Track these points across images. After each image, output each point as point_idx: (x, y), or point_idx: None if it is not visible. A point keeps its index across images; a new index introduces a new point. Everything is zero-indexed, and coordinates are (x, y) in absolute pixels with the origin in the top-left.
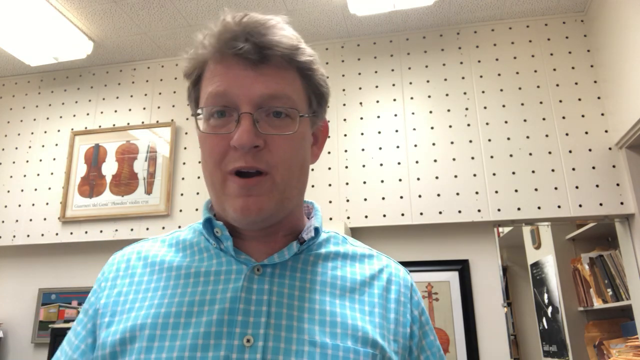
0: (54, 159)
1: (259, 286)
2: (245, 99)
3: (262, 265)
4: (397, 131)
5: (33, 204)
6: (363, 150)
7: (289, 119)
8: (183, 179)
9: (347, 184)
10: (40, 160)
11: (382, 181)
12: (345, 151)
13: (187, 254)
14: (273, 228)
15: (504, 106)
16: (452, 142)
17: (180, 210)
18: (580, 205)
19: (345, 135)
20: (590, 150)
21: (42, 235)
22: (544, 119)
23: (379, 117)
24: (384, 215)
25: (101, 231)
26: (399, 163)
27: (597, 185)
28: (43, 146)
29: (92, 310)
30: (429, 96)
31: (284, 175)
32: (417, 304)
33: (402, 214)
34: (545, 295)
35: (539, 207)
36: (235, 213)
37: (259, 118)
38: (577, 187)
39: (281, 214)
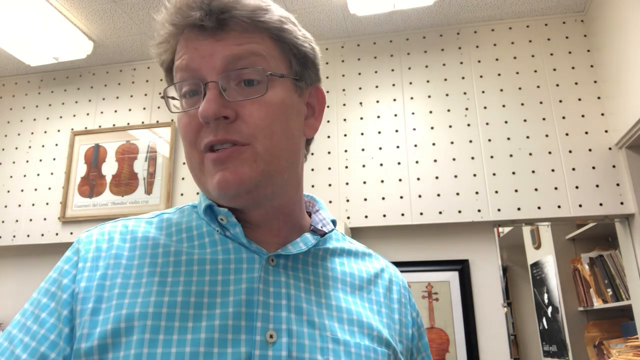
0: (54, 159)
1: (275, 278)
2: (208, 67)
3: (275, 255)
4: (397, 131)
5: (33, 204)
6: (363, 150)
7: (261, 84)
8: (183, 179)
9: (347, 184)
10: (40, 160)
11: (382, 181)
12: (345, 151)
13: (183, 238)
14: (268, 210)
15: (504, 106)
16: (452, 142)
17: None
18: (580, 205)
19: (345, 135)
20: (590, 150)
21: (42, 235)
22: (544, 119)
23: (379, 117)
24: (384, 215)
25: None
26: (399, 163)
27: (597, 185)
28: (43, 146)
29: (68, 294)
30: (429, 96)
31: (266, 145)
32: (414, 306)
33: (402, 214)
34: (545, 295)
35: (539, 207)
36: (214, 190)
37: (227, 86)
38: (577, 187)
39: (269, 188)
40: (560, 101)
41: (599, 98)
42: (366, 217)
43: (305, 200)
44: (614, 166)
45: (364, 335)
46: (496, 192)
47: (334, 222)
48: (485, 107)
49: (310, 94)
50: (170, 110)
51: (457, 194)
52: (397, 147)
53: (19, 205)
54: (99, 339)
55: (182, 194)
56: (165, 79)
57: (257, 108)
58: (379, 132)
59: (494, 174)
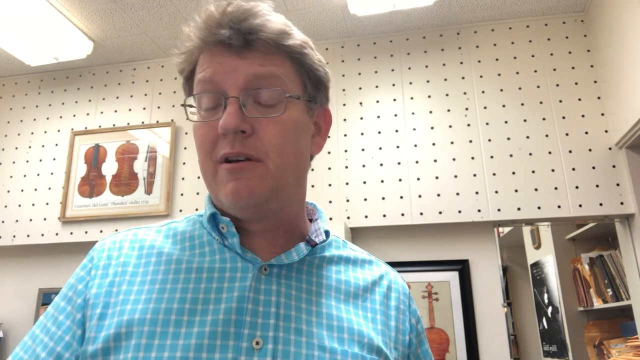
0: (54, 159)
1: (266, 287)
2: (230, 82)
3: (269, 265)
4: (397, 131)
5: (33, 204)
6: (363, 150)
7: (280, 104)
8: (183, 179)
9: (347, 184)
10: (40, 160)
11: (382, 181)
12: (345, 151)
13: (186, 246)
14: (271, 222)
15: (504, 106)
16: (452, 142)
17: (180, 210)
18: (580, 205)
19: (345, 135)
20: (590, 150)
21: (42, 235)
22: (544, 119)
23: (379, 117)
24: (384, 215)
25: (101, 231)
26: (399, 163)
27: (597, 185)
28: (43, 146)
29: (81, 299)
30: (429, 96)
31: (277, 162)
32: (414, 312)
33: (402, 214)
34: (545, 295)
35: (539, 207)
36: (227, 199)
37: (247, 103)
38: (577, 187)
39: (275, 202)
40: (560, 101)
41: (599, 98)
42: (366, 217)
43: (308, 208)
44: (614, 166)
45: (354, 343)
46: (496, 192)
47: (327, 232)
48: (485, 107)
49: (318, 114)
50: (189, 118)
51: (457, 194)
52: (397, 147)
53: (19, 205)
54: (103, 342)
55: (182, 194)
56: (183, 88)
57: (272, 126)
58: (379, 132)
59: (494, 174)
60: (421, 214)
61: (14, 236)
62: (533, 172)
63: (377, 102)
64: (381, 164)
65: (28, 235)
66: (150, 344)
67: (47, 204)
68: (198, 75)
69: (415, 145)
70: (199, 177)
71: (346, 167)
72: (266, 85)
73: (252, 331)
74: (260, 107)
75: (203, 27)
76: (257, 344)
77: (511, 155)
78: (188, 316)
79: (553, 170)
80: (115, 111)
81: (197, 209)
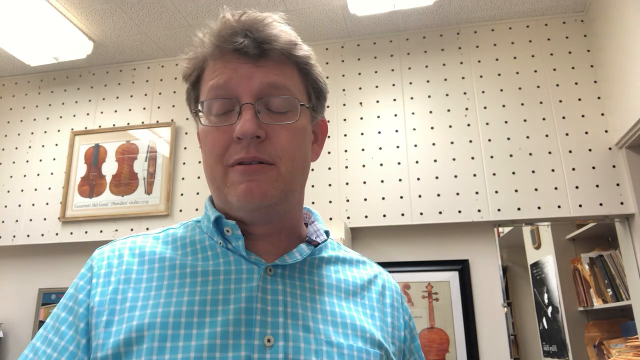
0: (54, 159)
1: (272, 286)
2: (246, 89)
3: (273, 266)
4: (397, 131)
5: (33, 204)
6: (363, 150)
7: (290, 112)
8: (183, 179)
9: (347, 184)
10: (40, 160)
11: (382, 181)
12: (345, 151)
13: (187, 251)
14: (276, 225)
15: (504, 106)
16: (452, 142)
17: (180, 210)
18: (580, 205)
19: (345, 135)
20: (590, 150)
21: (42, 235)
22: (544, 119)
23: (379, 117)
24: (384, 215)
25: (101, 231)
26: (399, 163)
27: (597, 185)
28: (43, 146)
29: (84, 308)
30: (429, 96)
31: (289, 167)
32: (406, 310)
33: (402, 214)
34: (545, 295)
35: (539, 207)
36: (238, 200)
37: (260, 109)
38: (577, 187)
39: (283, 206)
40: (560, 101)
41: (599, 98)
42: (366, 217)
43: (303, 213)
44: (614, 166)
45: (357, 338)
46: (496, 192)
47: (327, 232)
48: (485, 107)
49: (317, 123)
50: (202, 124)
51: (457, 194)
52: (397, 147)
53: (19, 205)
54: (113, 348)
55: (182, 194)
56: (187, 94)
57: (285, 133)
58: (379, 132)
59: (494, 174)
60: (421, 214)
61: (14, 236)
62: (533, 172)
63: (377, 102)
64: (381, 164)
65: (28, 235)
66: (162, 347)
67: (47, 204)
68: (210, 81)
69: (415, 145)
70: (199, 177)
71: (346, 167)
72: (278, 93)
73: (262, 329)
74: (272, 113)
75: (218, 34)
76: (268, 341)
77: (511, 155)
78: (198, 318)
79: (553, 170)
80: (115, 111)
81: (197, 209)
